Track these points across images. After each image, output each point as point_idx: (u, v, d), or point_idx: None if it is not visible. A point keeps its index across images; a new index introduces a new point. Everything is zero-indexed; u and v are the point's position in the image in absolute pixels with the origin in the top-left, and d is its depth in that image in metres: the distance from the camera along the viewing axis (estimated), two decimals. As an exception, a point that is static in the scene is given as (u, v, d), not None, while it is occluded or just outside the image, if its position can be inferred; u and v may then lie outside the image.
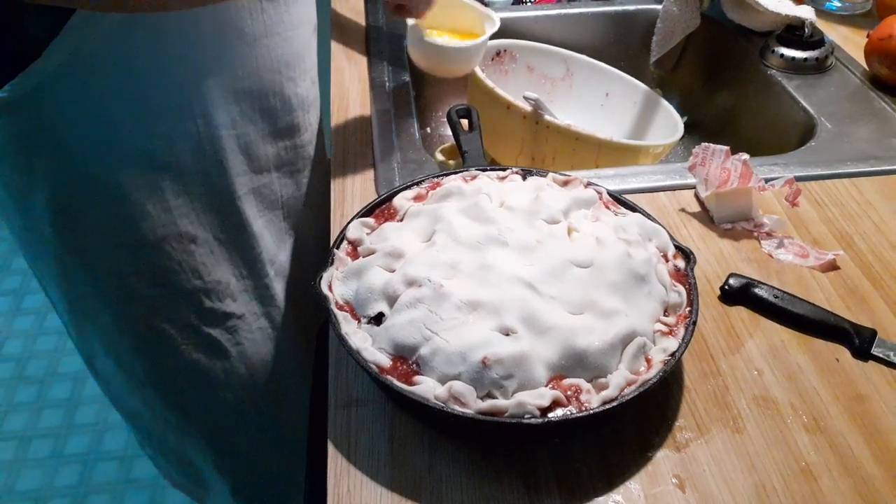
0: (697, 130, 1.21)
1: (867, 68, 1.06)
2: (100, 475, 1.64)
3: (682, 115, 1.10)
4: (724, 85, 1.20)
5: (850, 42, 1.14)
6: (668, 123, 1.10)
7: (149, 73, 0.70)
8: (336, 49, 1.11)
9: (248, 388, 0.93)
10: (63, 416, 1.76)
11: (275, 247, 0.91)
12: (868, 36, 1.04)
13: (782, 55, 1.08)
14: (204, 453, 0.97)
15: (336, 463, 0.58)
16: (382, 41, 1.13)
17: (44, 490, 1.62)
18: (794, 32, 1.09)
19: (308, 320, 0.99)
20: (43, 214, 0.75)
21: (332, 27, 1.16)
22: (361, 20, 1.18)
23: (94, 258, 0.79)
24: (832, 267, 0.75)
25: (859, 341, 0.67)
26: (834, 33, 1.16)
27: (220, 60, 0.75)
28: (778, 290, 0.71)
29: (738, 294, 0.71)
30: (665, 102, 1.13)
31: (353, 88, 1.02)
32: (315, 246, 0.98)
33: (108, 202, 0.75)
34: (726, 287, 0.72)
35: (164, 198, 0.77)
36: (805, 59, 1.07)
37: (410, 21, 0.96)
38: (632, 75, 1.18)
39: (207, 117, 0.76)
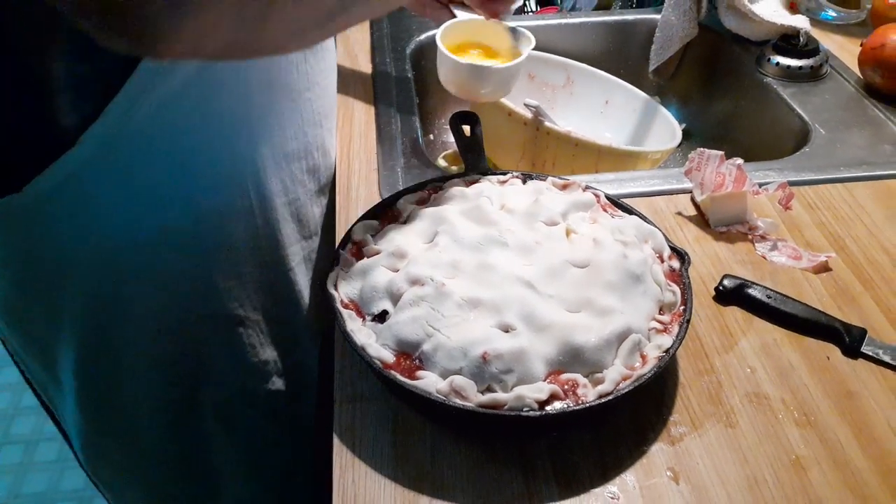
0: (695, 137, 1.23)
1: (861, 76, 1.08)
2: (106, 478, 1.66)
3: (680, 122, 1.12)
4: (721, 92, 1.22)
5: (845, 51, 1.17)
6: (667, 130, 1.12)
7: (197, 147, 0.63)
8: (341, 56, 1.14)
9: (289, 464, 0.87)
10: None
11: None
12: (862, 45, 1.07)
13: (778, 63, 1.10)
14: None
15: (341, 455, 0.60)
16: (386, 48, 1.15)
17: (49, 493, 1.63)
18: (789, 41, 1.11)
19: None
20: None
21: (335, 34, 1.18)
22: (366, 26, 1.21)
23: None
24: (824, 269, 0.77)
25: (849, 340, 0.68)
26: (829, 42, 1.18)
27: (269, 122, 0.68)
28: (771, 290, 0.73)
29: (733, 294, 0.73)
30: (663, 109, 1.15)
31: (357, 96, 1.04)
32: None
33: (151, 293, 0.68)
34: (721, 288, 0.74)
35: (213, 282, 0.70)
36: (800, 68, 1.09)
37: (440, 43, 0.91)
38: (631, 83, 1.20)
39: (260, 187, 0.69)
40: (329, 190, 0.83)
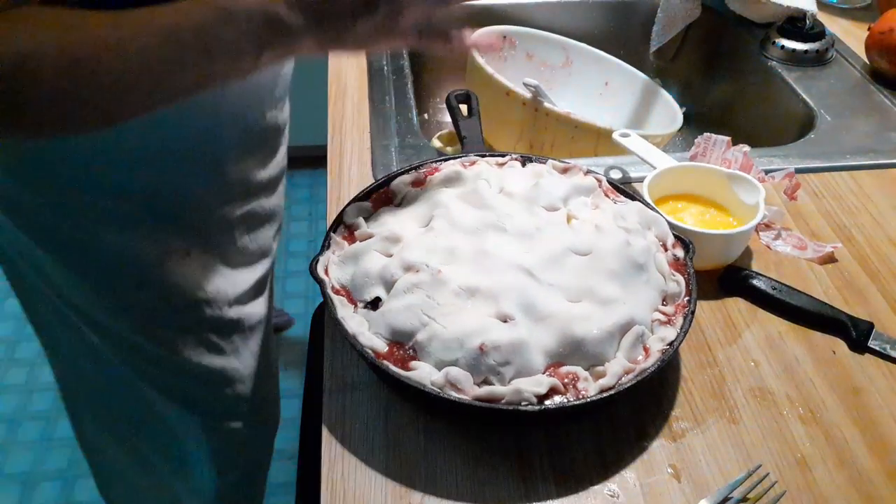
0: (696, 121, 1.21)
1: (867, 62, 1.05)
2: (90, 458, 1.63)
3: (680, 106, 1.10)
4: (723, 76, 1.20)
5: (851, 35, 1.14)
6: (668, 113, 1.09)
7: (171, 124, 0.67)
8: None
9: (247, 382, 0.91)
10: (53, 398, 1.75)
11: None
12: (869, 29, 1.04)
13: (783, 47, 1.07)
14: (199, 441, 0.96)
15: (330, 447, 0.58)
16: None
17: (33, 473, 1.60)
18: (794, 24, 1.08)
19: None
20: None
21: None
22: None
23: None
24: (830, 259, 0.75)
25: (856, 334, 0.66)
26: (835, 26, 1.15)
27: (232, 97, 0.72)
28: (776, 281, 0.71)
29: (736, 285, 0.71)
30: (664, 92, 1.12)
31: (350, 72, 1.01)
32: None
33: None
34: (724, 278, 0.72)
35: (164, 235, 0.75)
36: (805, 52, 1.06)
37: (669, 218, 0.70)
38: (631, 64, 1.17)
39: (218, 163, 0.73)
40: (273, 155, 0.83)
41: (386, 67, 1.02)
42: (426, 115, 1.19)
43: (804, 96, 1.00)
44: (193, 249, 0.77)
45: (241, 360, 0.86)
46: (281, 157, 0.86)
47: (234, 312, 0.83)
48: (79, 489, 1.57)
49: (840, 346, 0.67)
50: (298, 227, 2.19)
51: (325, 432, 0.59)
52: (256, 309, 0.86)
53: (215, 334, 0.82)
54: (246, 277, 0.83)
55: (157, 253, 0.74)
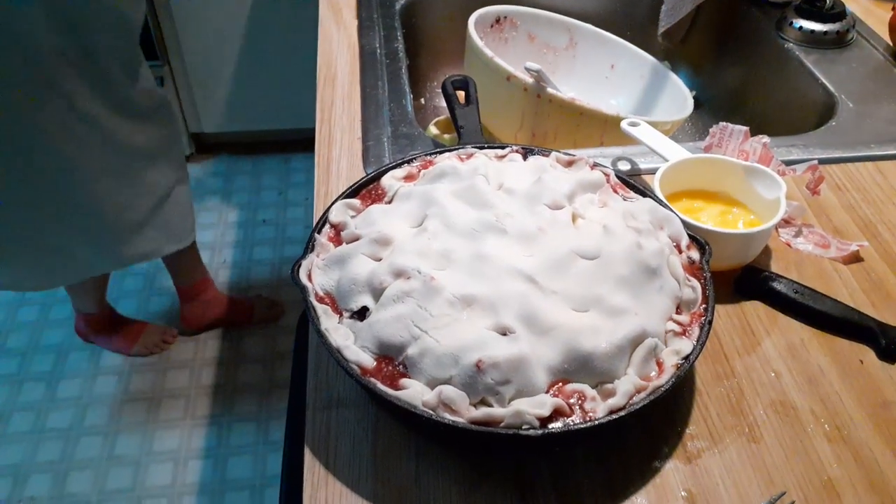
0: (707, 107, 1.15)
1: (890, 43, 1.00)
2: (82, 451, 1.59)
3: (690, 90, 1.04)
4: (736, 58, 1.14)
5: (873, 15, 1.08)
6: (677, 98, 1.03)
7: None
8: (324, 13, 1.04)
9: None
10: (45, 390, 1.71)
11: None
12: (893, 9, 0.99)
13: (800, 27, 1.01)
14: None
15: (314, 471, 0.53)
16: (374, 5, 1.05)
17: (24, 466, 1.57)
18: (813, 3, 1.02)
19: None
20: None
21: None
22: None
23: None
24: (855, 259, 0.70)
25: (886, 342, 0.61)
26: (855, 5, 1.09)
27: None
28: (798, 284, 0.66)
29: (755, 288, 0.66)
30: (674, 76, 1.07)
31: (342, 56, 0.95)
32: None
33: None
34: (741, 279, 0.66)
35: None
36: (825, 33, 1.00)
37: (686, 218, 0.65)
38: (639, 46, 1.11)
39: None
40: None
41: (379, 51, 0.96)
42: (422, 101, 1.14)
43: (823, 81, 0.94)
44: None
45: None
46: None
47: None
48: (70, 482, 1.53)
49: (868, 354, 0.62)
50: (295, 212, 2.14)
51: (307, 454, 0.54)
52: None
53: None
54: None
55: None
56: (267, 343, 1.79)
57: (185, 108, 2.12)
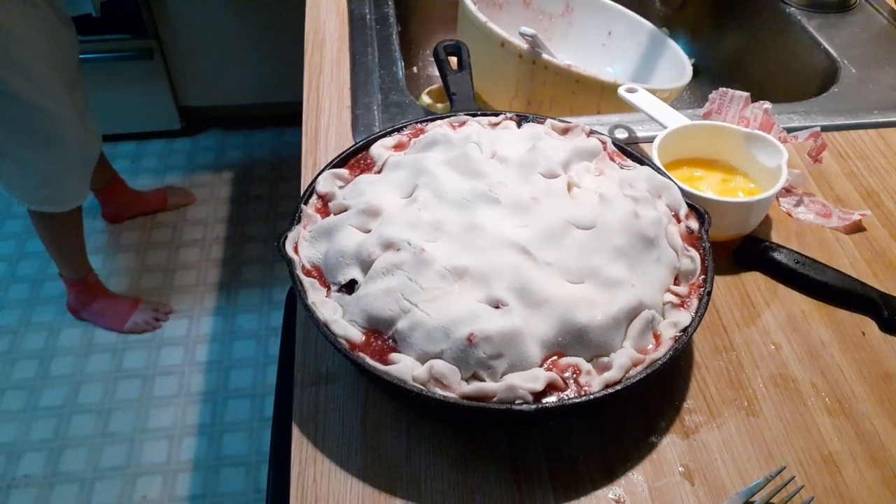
0: (706, 74, 1.12)
1: (895, 7, 0.97)
2: (75, 429, 1.59)
3: (689, 57, 1.01)
4: (736, 24, 1.11)
5: (877, -22, 1.05)
6: (676, 65, 1.01)
7: None
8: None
9: None
10: (37, 367, 1.70)
11: None
12: (898, -29, 0.95)
13: (802, -9, 0.98)
14: None
15: (301, 448, 0.52)
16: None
17: (17, 444, 1.56)
18: (816, -35, 0.99)
19: None
20: None
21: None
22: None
23: None
24: (857, 228, 0.68)
25: (888, 313, 0.60)
26: (859, -32, 1.06)
27: None
28: (798, 254, 0.64)
29: (755, 258, 0.64)
30: (672, 43, 1.04)
31: (330, 21, 0.92)
32: None
33: None
34: (741, 250, 0.65)
35: None
36: (828, -4, 0.97)
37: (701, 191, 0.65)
38: (636, 12, 1.08)
39: None
40: None
41: (369, 16, 0.93)
42: (415, 69, 1.11)
43: (826, 46, 0.92)
44: None
45: None
46: None
47: None
48: (64, 460, 1.53)
49: (870, 326, 0.60)
50: (289, 187, 2.11)
51: (295, 431, 0.52)
52: None
53: None
54: None
55: None
56: (261, 318, 1.77)
57: (174, 81, 2.08)
